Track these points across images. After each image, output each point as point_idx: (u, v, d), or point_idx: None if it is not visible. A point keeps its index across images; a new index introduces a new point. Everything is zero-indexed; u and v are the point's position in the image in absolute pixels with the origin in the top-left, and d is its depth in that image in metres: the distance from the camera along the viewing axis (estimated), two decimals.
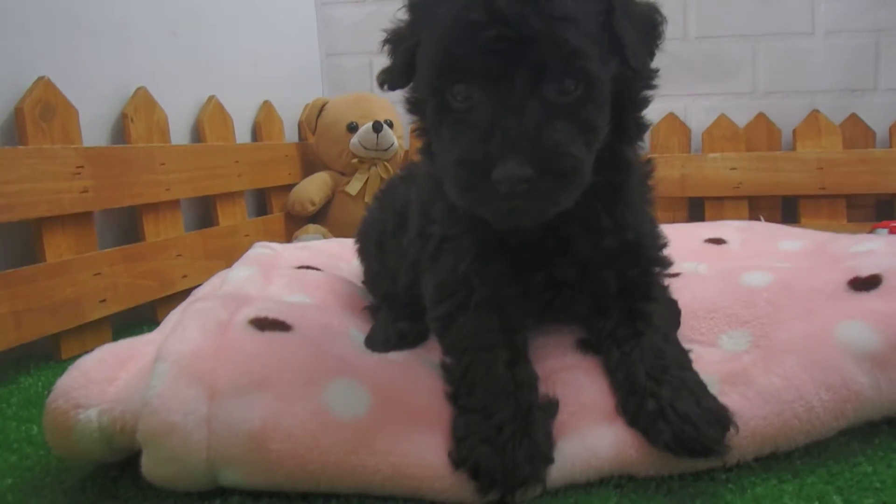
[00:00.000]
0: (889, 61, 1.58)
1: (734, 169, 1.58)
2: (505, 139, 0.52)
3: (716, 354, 0.71)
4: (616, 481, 0.58)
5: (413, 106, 0.66)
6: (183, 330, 0.62)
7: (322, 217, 1.61)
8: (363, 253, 0.93)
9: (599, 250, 0.65)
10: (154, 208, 1.15)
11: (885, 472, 0.58)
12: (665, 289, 0.73)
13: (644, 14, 0.61)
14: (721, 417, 0.57)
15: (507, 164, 0.51)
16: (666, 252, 0.73)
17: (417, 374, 0.66)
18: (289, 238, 1.55)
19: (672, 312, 0.72)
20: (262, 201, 1.55)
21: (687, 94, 1.68)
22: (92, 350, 0.97)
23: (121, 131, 1.12)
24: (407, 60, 0.62)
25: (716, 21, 1.65)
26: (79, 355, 0.95)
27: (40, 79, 0.95)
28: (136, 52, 1.15)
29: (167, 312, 1.12)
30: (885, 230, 1.25)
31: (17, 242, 0.95)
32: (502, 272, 0.65)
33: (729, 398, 0.61)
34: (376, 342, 0.76)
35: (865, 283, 0.77)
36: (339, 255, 1.14)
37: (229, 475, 0.56)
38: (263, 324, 0.67)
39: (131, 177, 1.09)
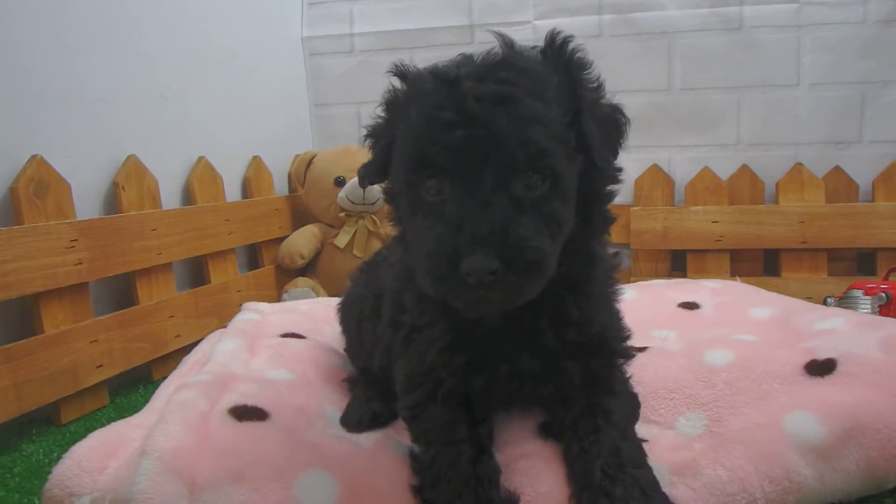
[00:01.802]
0: (874, 114, 1.63)
1: (716, 222, 1.64)
2: (473, 233, 0.55)
3: (671, 439, 0.76)
4: None
5: (389, 197, 0.70)
6: (166, 424, 0.69)
7: (311, 269, 1.67)
8: (344, 325, 0.98)
9: (564, 342, 0.69)
10: (147, 273, 1.22)
11: None
12: (626, 381, 0.76)
13: (609, 115, 0.66)
14: (656, 496, 0.62)
15: (475, 258, 0.54)
16: (629, 343, 0.76)
17: (386, 461, 0.72)
18: (279, 291, 1.61)
19: (632, 407, 0.75)
20: (253, 255, 1.62)
21: (671, 145, 1.74)
22: (90, 413, 1.05)
23: (113, 199, 1.19)
24: (384, 157, 0.67)
25: (700, 72, 1.70)
26: (78, 419, 1.07)
27: (33, 157, 1.02)
28: (126, 119, 1.22)
29: (162, 371, 1.22)
30: (861, 291, 1.30)
31: (15, 316, 1.01)
32: (469, 364, 0.70)
33: (677, 489, 0.67)
34: (351, 422, 0.81)
35: (821, 368, 0.82)
36: (324, 319, 1.20)
37: None
38: (242, 413, 0.74)
39: (124, 245, 1.15)
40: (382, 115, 0.70)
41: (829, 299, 1.37)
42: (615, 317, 0.76)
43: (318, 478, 0.66)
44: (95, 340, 1.09)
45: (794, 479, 0.68)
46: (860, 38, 1.61)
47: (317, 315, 1.23)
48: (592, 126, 0.61)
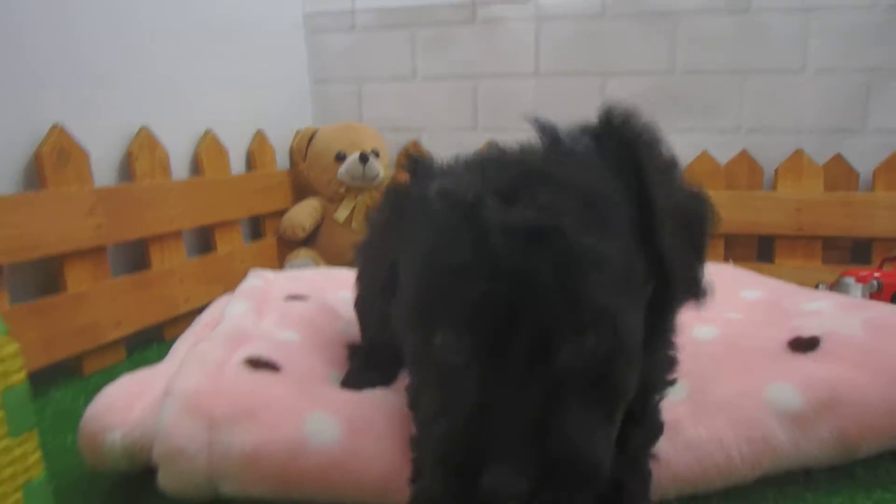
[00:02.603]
0: (880, 102, 1.66)
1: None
2: (498, 433, 0.41)
3: None
4: None
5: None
6: (186, 370, 0.77)
7: (312, 241, 1.74)
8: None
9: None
10: (159, 239, 1.30)
11: None
12: (656, 409, 0.68)
13: (691, 210, 0.52)
14: None
15: (501, 471, 0.40)
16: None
17: (386, 406, 0.79)
18: (281, 261, 1.68)
19: (651, 433, 0.68)
20: (256, 227, 1.69)
21: (672, 128, 1.77)
22: (110, 367, 1.16)
23: (127, 169, 1.26)
24: (386, 279, 0.53)
25: (705, 55, 1.74)
26: (98, 371, 1.16)
27: (55, 127, 1.09)
28: (137, 92, 1.29)
29: (173, 332, 1.31)
30: (853, 278, 1.36)
31: (41, 275, 1.10)
32: None
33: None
34: (349, 388, 0.87)
35: (804, 345, 0.88)
36: (325, 288, 1.27)
37: (227, 488, 0.70)
38: (257, 364, 0.82)
39: (138, 212, 1.24)
40: (383, 218, 0.59)
41: (820, 285, 1.44)
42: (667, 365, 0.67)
43: (323, 418, 0.74)
44: (114, 299, 1.18)
45: (770, 443, 0.75)
46: (870, 24, 1.63)
47: (319, 281, 1.30)
48: (672, 238, 0.47)
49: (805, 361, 0.86)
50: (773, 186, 1.70)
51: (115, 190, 1.20)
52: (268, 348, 0.87)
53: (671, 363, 0.65)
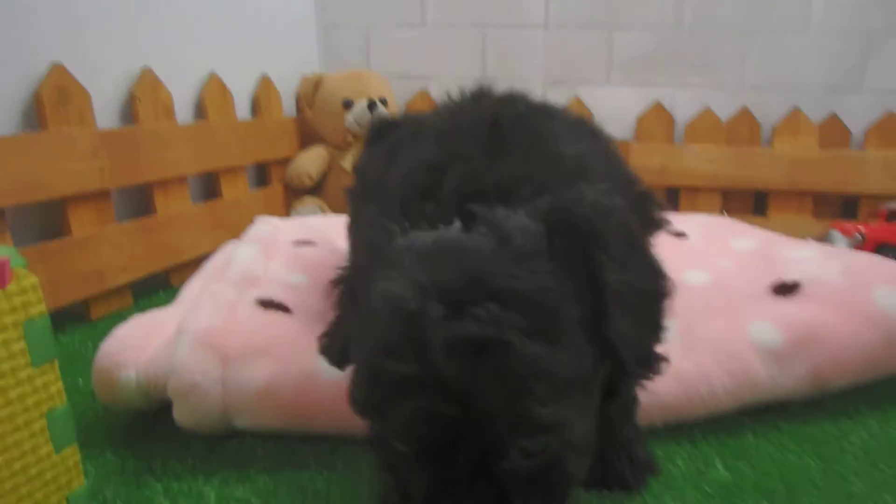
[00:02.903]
0: (876, 63, 1.69)
1: (712, 161, 1.74)
2: None
3: None
4: None
5: None
6: (199, 309, 0.81)
7: (319, 189, 1.76)
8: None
9: None
10: (163, 184, 1.31)
11: (764, 445, 0.77)
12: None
13: (646, 291, 0.51)
14: (646, 466, 0.70)
15: None
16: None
17: None
18: (288, 209, 1.72)
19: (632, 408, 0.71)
20: (262, 174, 1.71)
21: (675, 84, 1.81)
22: (117, 312, 1.16)
23: (129, 111, 1.26)
24: (342, 350, 0.55)
25: (711, 12, 1.76)
26: (105, 316, 1.18)
27: (55, 65, 1.08)
28: (140, 32, 1.28)
29: (179, 278, 1.33)
30: (838, 231, 1.42)
31: (46, 218, 1.11)
32: None
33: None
34: None
35: (786, 289, 0.94)
36: (333, 234, 1.31)
37: (241, 421, 0.75)
38: (268, 304, 0.86)
39: (142, 156, 1.24)
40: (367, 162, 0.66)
41: (809, 239, 1.49)
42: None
43: None
44: (119, 244, 1.19)
45: (750, 377, 0.81)
46: None
47: (327, 228, 1.34)
48: (622, 322, 0.47)
49: (786, 304, 0.91)
50: (770, 143, 1.74)
51: (119, 132, 1.20)
52: (278, 291, 0.90)
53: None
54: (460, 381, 0.40)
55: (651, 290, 0.52)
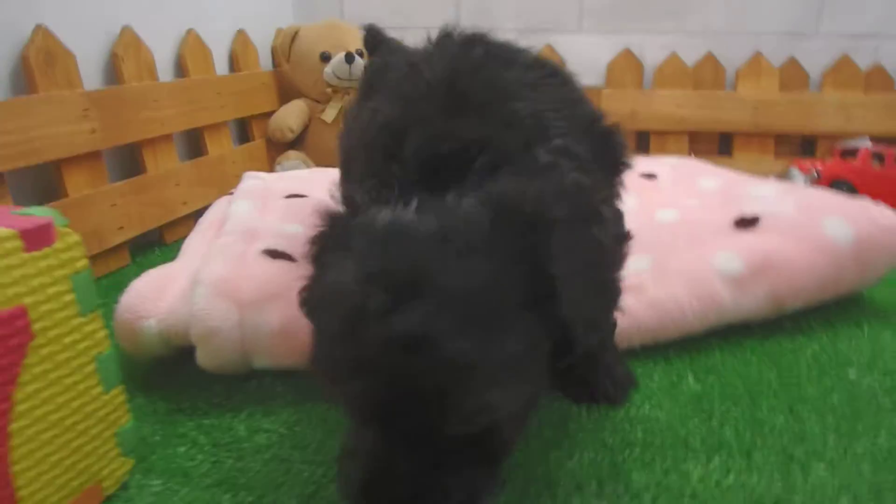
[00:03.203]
0: (832, 8, 1.77)
1: (680, 106, 1.82)
2: (391, 487, 0.47)
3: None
4: None
5: None
6: (211, 261, 0.87)
7: (300, 142, 1.80)
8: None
9: None
10: (152, 143, 1.34)
11: (729, 360, 0.86)
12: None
13: (593, 263, 0.53)
14: (628, 381, 0.79)
15: None
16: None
17: None
18: (271, 163, 1.76)
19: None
20: (243, 129, 1.74)
21: (644, 30, 1.87)
22: (116, 271, 1.21)
23: (113, 71, 1.28)
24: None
25: None
26: (105, 276, 1.23)
27: (39, 27, 1.09)
28: None
29: (173, 235, 1.40)
30: (797, 169, 1.51)
31: (40, 183, 1.14)
32: None
33: (626, 300, 0.87)
34: None
35: (746, 222, 1.03)
36: (320, 184, 1.36)
37: (259, 361, 0.82)
38: (274, 254, 0.91)
39: (130, 115, 1.27)
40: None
41: (771, 177, 1.59)
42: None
43: None
44: (115, 205, 1.23)
45: (716, 300, 0.90)
46: None
47: (316, 180, 1.40)
48: (573, 300, 0.49)
49: (746, 236, 1.00)
50: (734, 87, 1.82)
51: (107, 93, 1.22)
52: (282, 242, 0.96)
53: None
54: (394, 372, 0.43)
55: (599, 259, 0.54)
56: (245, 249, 0.92)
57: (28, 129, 1.05)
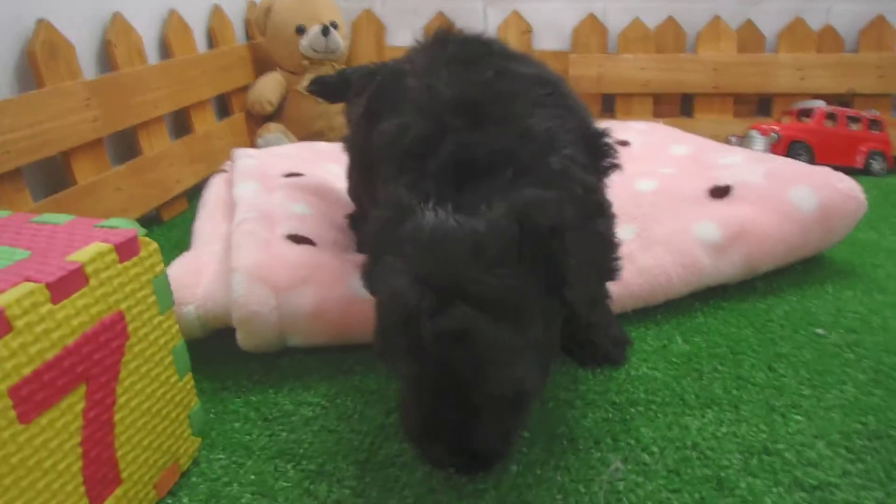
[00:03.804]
0: None
1: (644, 69, 1.91)
2: (432, 433, 0.62)
3: None
4: None
5: None
6: (242, 249, 0.93)
7: (278, 115, 1.83)
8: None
9: None
10: (146, 125, 1.38)
11: (712, 321, 0.98)
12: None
13: (597, 255, 0.67)
14: (623, 341, 0.90)
15: (432, 454, 0.63)
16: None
17: None
18: (252, 136, 1.80)
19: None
20: (223, 104, 1.76)
21: None
22: None
23: (106, 58, 1.30)
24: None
25: None
26: None
27: (41, 21, 1.12)
28: None
29: (169, 213, 1.45)
30: (757, 131, 1.63)
31: (50, 174, 1.17)
32: None
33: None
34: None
35: (720, 192, 1.14)
36: (314, 161, 1.43)
37: (294, 340, 0.90)
38: (296, 239, 0.99)
39: (126, 100, 1.30)
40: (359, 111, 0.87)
41: (731, 138, 1.71)
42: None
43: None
44: (119, 189, 1.27)
45: (698, 266, 1.01)
46: None
47: (306, 155, 1.46)
48: (579, 286, 0.62)
49: (721, 205, 1.11)
50: (695, 50, 1.92)
51: (104, 80, 1.25)
52: (298, 226, 1.03)
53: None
54: (444, 357, 0.57)
55: (601, 250, 0.66)
56: (269, 236, 0.98)
57: (38, 122, 1.09)
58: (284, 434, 0.78)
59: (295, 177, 1.29)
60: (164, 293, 0.66)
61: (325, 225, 1.11)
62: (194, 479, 0.72)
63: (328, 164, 1.42)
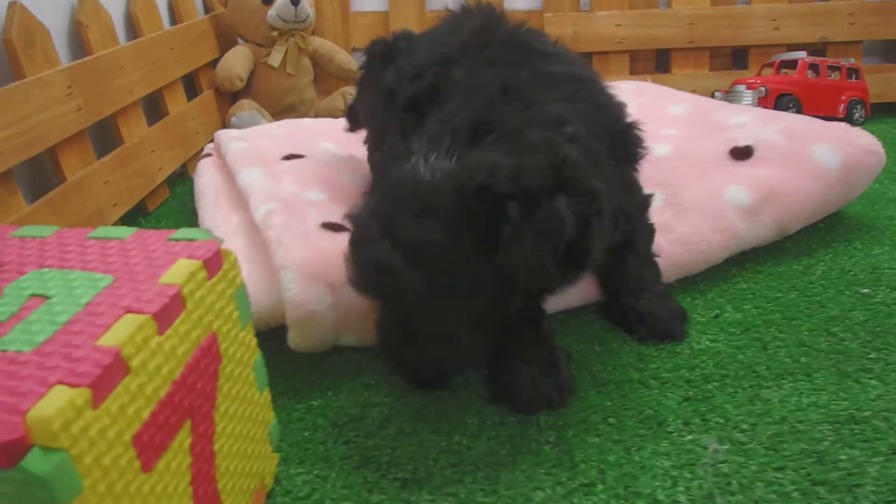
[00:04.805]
0: None
1: (619, 25, 1.89)
2: (395, 344, 0.74)
3: None
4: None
5: None
6: (285, 244, 0.87)
7: (247, 90, 1.73)
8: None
9: None
10: (124, 112, 1.28)
11: (754, 286, 0.98)
12: (647, 219, 0.95)
13: (547, 228, 0.65)
14: (681, 314, 0.89)
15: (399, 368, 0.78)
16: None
17: None
18: (223, 114, 1.70)
19: (650, 234, 0.94)
20: (190, 82, 1.65)
21: None
22: None
23: (78, 40, 1.20)
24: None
25: None
26: None
27: (13, 4, 1.01)
28: None
29: (153, 202, 1.38)
30: (744, 86, 1.65)
31: (38, 171, 1.08)
32: None
33: (659, 240, 0.96)
34: None
35: (742, 153, 1.14)
36: (306, 139, 1.36)
37: (349, 339, 0.86)
38: (330, 227, 0.93)
39: (104, 86, 1.20)
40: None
41: (716, 93, 1.72)
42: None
43: None
44: (107, 182, 1.18)
45: (733, 231, 1.01)
46: None
47: (298, 136, 1.38)
48: (518, 252, 0.64)
49: (746, 167, 1.11)
50: (669, 4, 1.91)
51: (83, 65, 1.15)
52: (324, 212, 0.98)
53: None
54: (378, 288, 0.70)
55: (554, 225, 0.65)
56: (304, 227, 0.93)
57: (26, 117, 0.99)
58: (360, 440, 0.74)
59: (295, 159, 1.23)
60: (244, 305, 0.61)
61: (348, 208, 1.05)
62: (279, 498, 0.67)
63: (321, 142, 1.35)
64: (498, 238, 0.64)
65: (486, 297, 0.69)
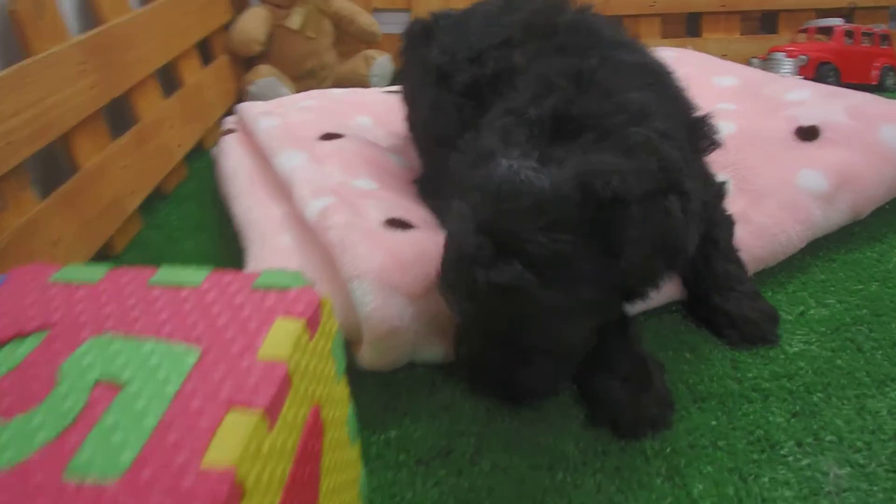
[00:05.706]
0: None
1: None
2: (485, 376, 0.67)
3: None
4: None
5: None
6: (352, 248, 0.73)
7: (265, 55, 1.55)
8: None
9: None
10: (141, 86, 1.10)
11: (832, 277, 0.87)
12: (724, 209, 0.85)
13: (661, 234, 0.59)
14: (773, 315, 0.79)
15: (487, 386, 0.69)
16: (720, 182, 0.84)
17: None
18: (238, 81, 1.52)
19: (731, 230, 0.84)
20: (205, 47, 1.46)
21: None
22: (134, 238, 1.08)
23: (86, 8, 1.03)
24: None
25: None
26: (128, 247, 1.04)
27: None
28: None
29: (171, 183, 1.21)
30: (784, 53, 1.50)
31: (48, 159, 0.93)
32: None
33: (739, 233, 0.85)
34: None
35: (807, 133, 1.01)
36: (341, 114, 1.20)
37: (427, 355, 0.73)
38: (395, 223, 0.80)
39: (119, 58, 1.03)
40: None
41: (753, 60, 1.57)
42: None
43: None
44: (125, 166, 1.02)
45: (812, 220, 0.89)
46: None
47: (332, 109, 1.22)
48: (636, 258, 0.59)
49: (814, 149, 0.99)
50: None
51: (96, 36, 0.97)
52: (388, 207, 0.84)
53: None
54: (493, 306, 0.59)
55: (668, 226, 0.60)
56: (367, 225, 0.79)
57: (40, 100, 0.83)
58: (453, 480, 0.62)
59: (335, 139, 1.07)
60: (340, 357, 0.49)
61: (404, 199, 0.92)
62: None
63: (357, 116, 1.20)
64: (615, 244, 0.58)
65: (607, 306, 0.65)
